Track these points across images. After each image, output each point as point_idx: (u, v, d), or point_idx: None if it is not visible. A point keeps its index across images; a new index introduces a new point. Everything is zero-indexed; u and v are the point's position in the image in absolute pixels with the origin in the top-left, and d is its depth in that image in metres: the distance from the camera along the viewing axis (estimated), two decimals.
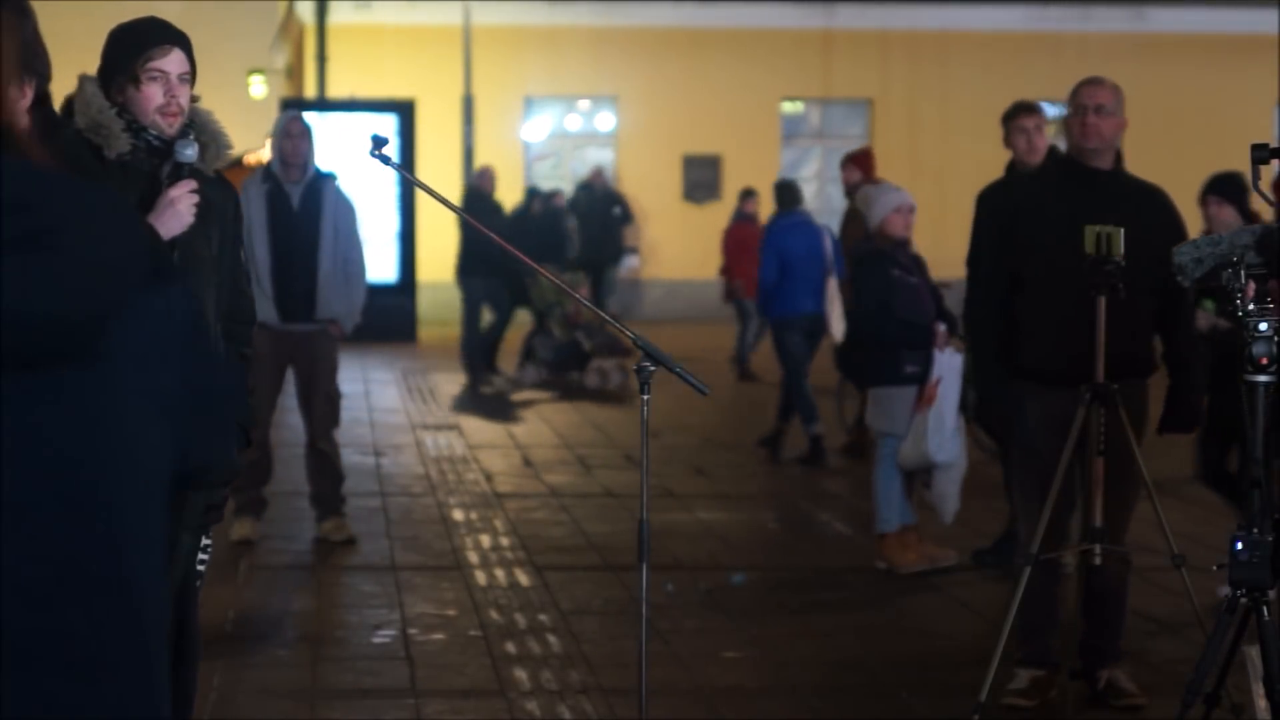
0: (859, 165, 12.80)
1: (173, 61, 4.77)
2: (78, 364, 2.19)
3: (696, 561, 9.13)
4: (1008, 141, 8.79)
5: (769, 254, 12.69)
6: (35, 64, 3.31)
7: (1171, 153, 22.94)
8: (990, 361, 6.64)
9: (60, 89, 5.07)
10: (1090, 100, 6.38)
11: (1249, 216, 8.32)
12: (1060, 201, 6.37)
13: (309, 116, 10.26)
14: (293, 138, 9.38)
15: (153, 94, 4.75)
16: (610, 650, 7.35)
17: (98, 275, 2.18)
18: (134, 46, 4.78)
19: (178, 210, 4.75)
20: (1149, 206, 6.43)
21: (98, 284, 2.18)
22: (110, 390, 2.21)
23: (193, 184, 4.80)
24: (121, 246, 2.23)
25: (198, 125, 4.88)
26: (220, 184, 4.96)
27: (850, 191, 12.58)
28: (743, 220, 19.32)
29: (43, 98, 3.21)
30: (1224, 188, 8.46)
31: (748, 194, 19.72)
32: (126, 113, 4.76)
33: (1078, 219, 6.07)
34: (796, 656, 7.35)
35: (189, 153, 4.78)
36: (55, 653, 2.13)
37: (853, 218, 12.60)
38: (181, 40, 4.82)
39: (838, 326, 12.23)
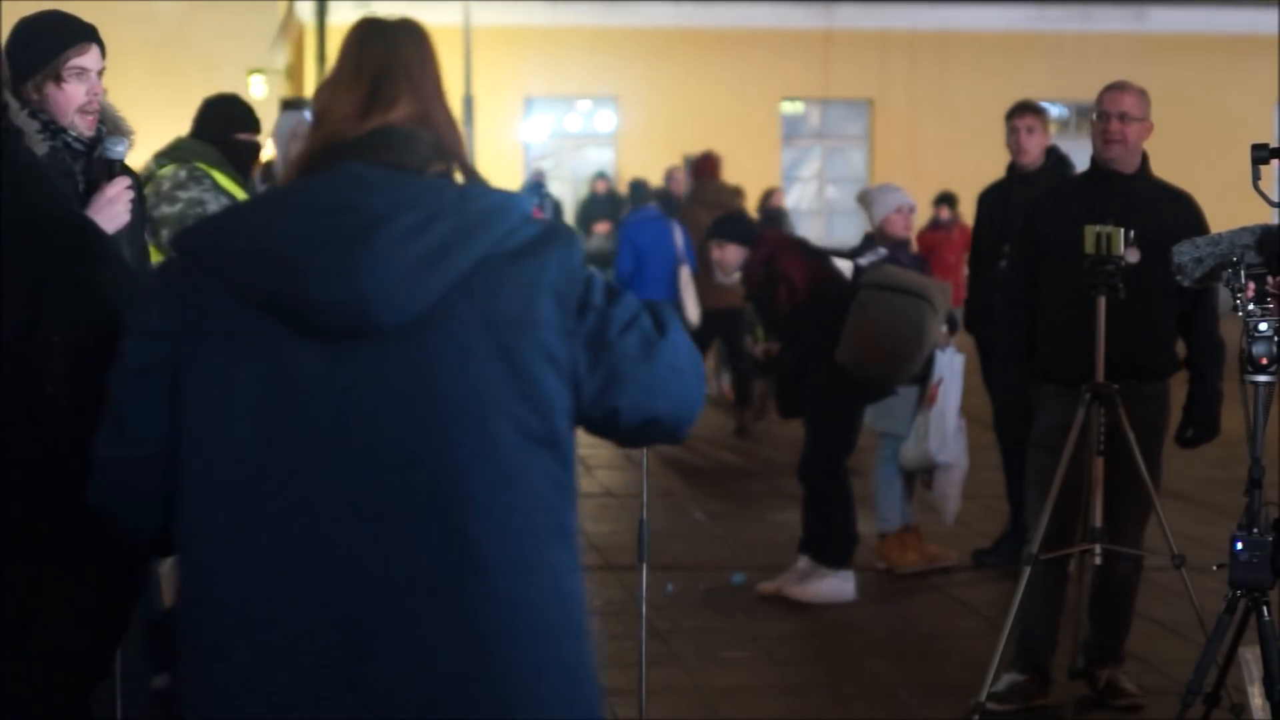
0: (695, 171, 14.25)
1: (92, 58, 4.58)
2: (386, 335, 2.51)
3: (696, 561, 9.12)
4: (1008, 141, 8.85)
5: (625, 247, 13.63)
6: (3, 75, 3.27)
7: (1171, 153, 22.91)
8: (1011, 363, 6.61)
9: None
10: (1113, 107, 6.34)
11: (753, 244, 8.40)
12: (1082, 205, 6.31)
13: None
14: (300, 140, 9.32)
15: (75, 93, 4.56)
16: (610, 650, 7.35)
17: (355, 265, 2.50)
18: (53, 44, 4.56)
19: (116, 210, 4.59)
20: (1172, 210, 6.37)
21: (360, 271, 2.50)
22: (428, 354, 2.50)
23: (128, 181, 4.66)
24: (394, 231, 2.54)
25: (101, 115, 4.68)
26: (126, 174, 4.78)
27: (690, 192, 14.30)
28: (935, 228, 18.81)
29: (4, 108, 3.15)
30: (727, 229, 8.53)
31: (941, 199, 19.33)
32: (42, 113, 4.53)
33: (1099, 223, 6.02)
34: (796, 656, 7.35)
35: (120, 150, 4.62)
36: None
37: (689, 214, 13.87)
38: (96, 35, 4.64)
39: (693, 311, 13.34)
